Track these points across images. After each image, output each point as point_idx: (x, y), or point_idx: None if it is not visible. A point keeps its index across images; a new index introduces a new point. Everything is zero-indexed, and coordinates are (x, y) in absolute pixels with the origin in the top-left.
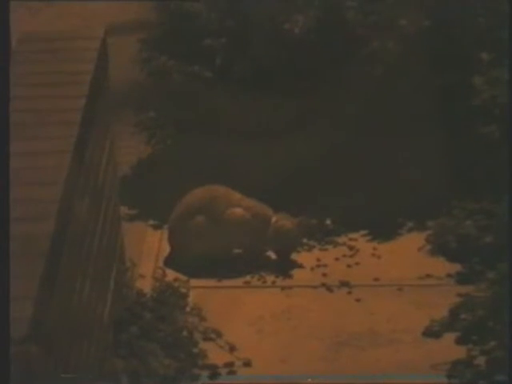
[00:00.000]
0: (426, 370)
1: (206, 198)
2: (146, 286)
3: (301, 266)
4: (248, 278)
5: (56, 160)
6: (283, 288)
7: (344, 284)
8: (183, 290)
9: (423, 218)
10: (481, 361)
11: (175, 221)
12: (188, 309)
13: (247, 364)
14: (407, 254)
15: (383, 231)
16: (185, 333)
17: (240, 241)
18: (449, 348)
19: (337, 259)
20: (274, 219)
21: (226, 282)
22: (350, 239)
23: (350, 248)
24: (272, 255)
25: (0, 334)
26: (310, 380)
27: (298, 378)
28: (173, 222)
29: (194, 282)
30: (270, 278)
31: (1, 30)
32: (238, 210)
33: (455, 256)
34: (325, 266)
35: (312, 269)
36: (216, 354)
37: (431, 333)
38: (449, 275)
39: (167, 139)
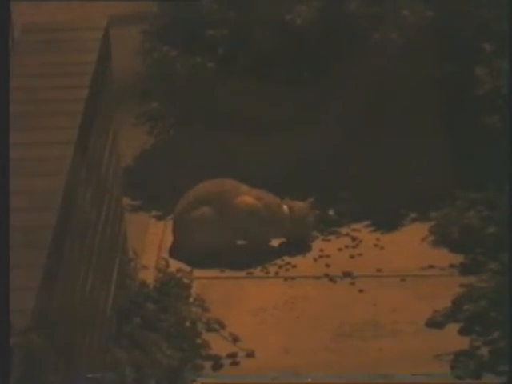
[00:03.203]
0: (429, 360)
1: (214, 191)
2: (148, 276)
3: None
4: (251, 268)
5: (59, 151)
6: (286, 279)
7: (347, 275)
8: (186, 281)
9: (426, 209)
10: (484, 351)
11: (182, 213)
12: (191, 299)
13: (250, 355)
14: (410, 244)
15: (386, 222)
16: (188, 323)
17: (249, 231)
18: (452, 339)
19: (340, 250)
20: (285, 207)
21: (229, 273)
22: (353, 230)
23: (353, 239)
24: (275, 244)
25: (1, 325)
26: (309, 380)
27: (301, 376)
28: (179, 214)
29: (196, 272)
30: (272, 269)
31: (1, 20)
32: (248, 198)
33: (458, 247)
34: (328, 256)
35: (315, 259)
36: (219, 345)
37: (434, 323)
38: (452, 266)
39: (170, 130)
